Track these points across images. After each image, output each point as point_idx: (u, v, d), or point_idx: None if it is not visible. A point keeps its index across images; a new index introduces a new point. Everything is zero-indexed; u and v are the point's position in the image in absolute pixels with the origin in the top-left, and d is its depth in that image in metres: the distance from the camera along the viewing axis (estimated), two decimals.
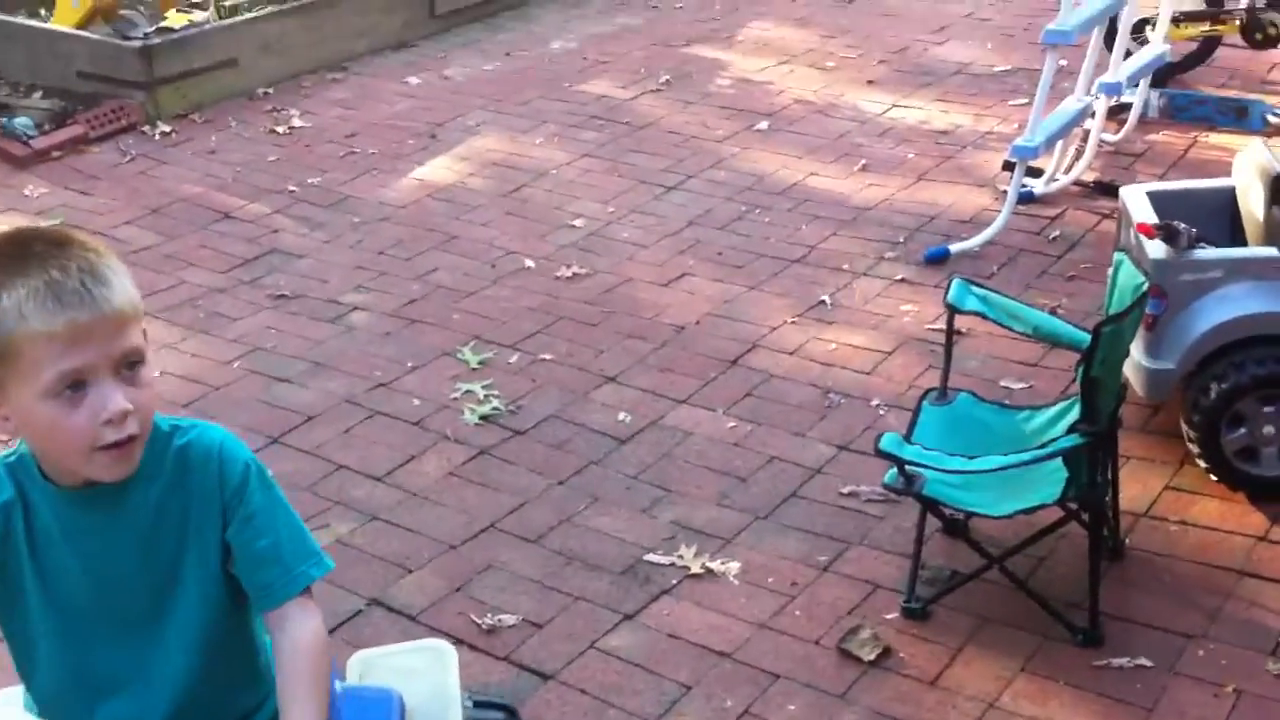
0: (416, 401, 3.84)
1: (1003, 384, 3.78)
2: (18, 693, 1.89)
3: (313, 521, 3.26)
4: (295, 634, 1.59)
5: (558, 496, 3.42)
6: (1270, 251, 3.14)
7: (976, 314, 3.08)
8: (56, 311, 1.46)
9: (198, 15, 6.04)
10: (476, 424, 3.72)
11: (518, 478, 3.50)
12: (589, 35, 6.89)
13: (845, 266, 4.51)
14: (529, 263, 4.62)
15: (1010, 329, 3.14)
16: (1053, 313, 3.43)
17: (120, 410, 1.48)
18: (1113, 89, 4.79)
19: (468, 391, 3.86)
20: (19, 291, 1.47)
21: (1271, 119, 5.26)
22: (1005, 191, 4.73)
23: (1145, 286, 2.73)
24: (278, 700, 1.58)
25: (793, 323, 4.19)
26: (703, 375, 3.92)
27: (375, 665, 2.12)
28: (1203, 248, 3.18)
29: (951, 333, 3.15)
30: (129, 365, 1.51)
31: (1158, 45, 5.09)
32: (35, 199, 5.19)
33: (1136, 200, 3.41)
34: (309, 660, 1.58)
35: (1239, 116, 5.34)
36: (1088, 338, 2.79)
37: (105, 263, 1.52)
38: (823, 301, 4.30)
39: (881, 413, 3.70)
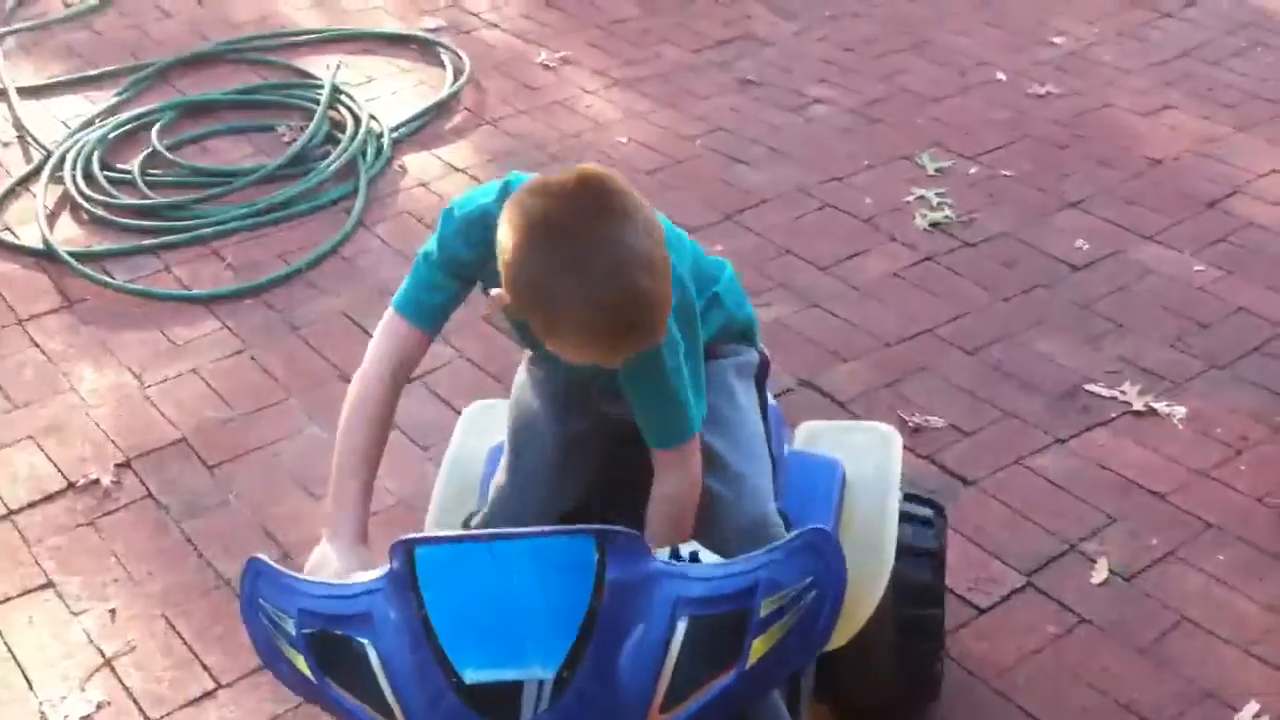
0: (868, 200, 3.83)
1: None
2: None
3: (756, 300, 3.35)
4: (667, 485, 1.68)
5: (1001, 313, 3.35)
6: None
7: None
8: (601, 347, 1.51)
9: None
10: (926, 230, 3.68)
11: (962, 288, 3.45)
12: None
13: None
14: (1001, 75, 4.46)
15: None
16: None
17: None
18: None
19: (921, 197, 3.81)
20: (573, 321, 1.47)
21: None
22: None
23: None
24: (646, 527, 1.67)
25: None
26: (1174, 214, 3.70)
27: (821, 435, 2.20)
28: None
29: None
30: None
31: None
32: None
33: None
34: (673, 508, 1.68)
35: None
36: None
37: (653, 294, 1.47)
38: None
39: None
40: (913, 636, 2.16)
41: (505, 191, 1.65)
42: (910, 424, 2.96)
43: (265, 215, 3.84)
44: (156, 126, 4.25)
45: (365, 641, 1.39)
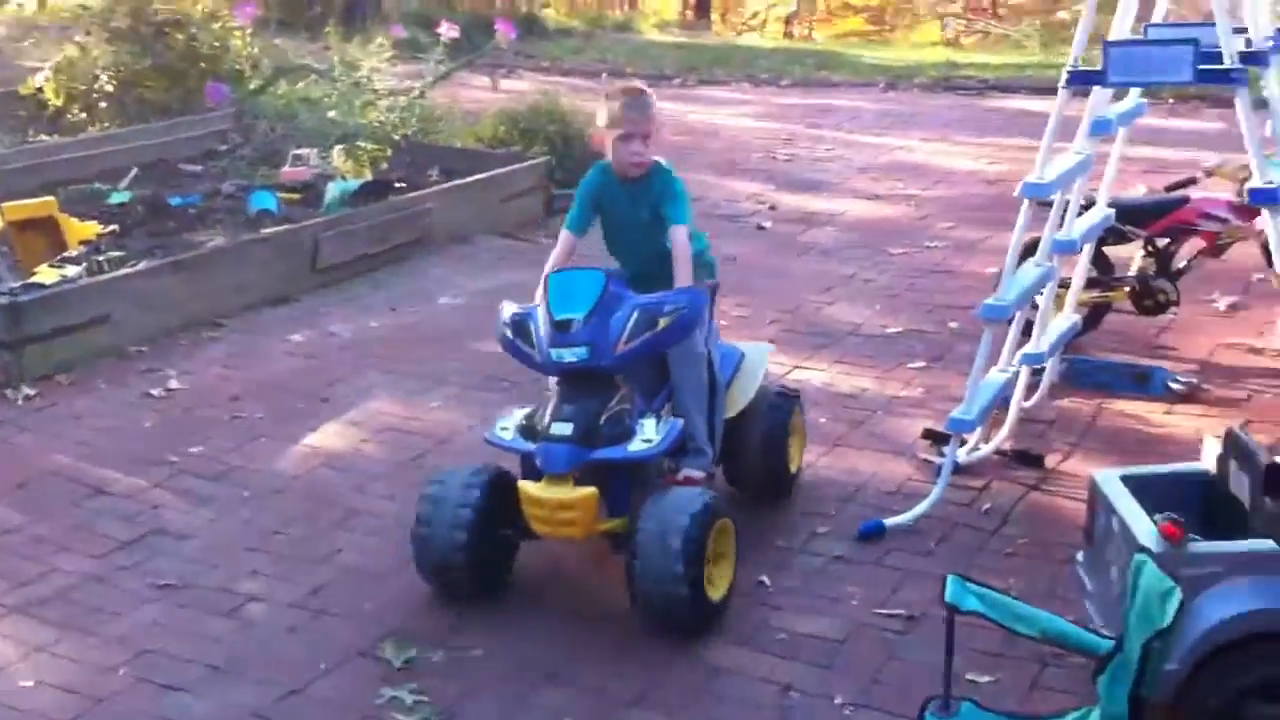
0: (334, 714, 3.41)
1: (968, 677, 3.55)
2: None
3: None
4: (677, 244, 4.03)
5: None
6: (1271, 546, 3.03)
7: (977, 614, 2.88)
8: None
9: (70, 270, 5.67)
10: None
11: None
12: (477, 290, 6.73)
13: (780, 543, 4.30)
14: None
15: (1014, 631, 2.94)
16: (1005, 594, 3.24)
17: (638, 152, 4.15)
18: (1036, 359, 4.78)
19: (394, 698, 3.45)
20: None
21: (1174, 385, 5.32)
22: (925, 460, 4.65)
23: (1178, 593, 2.57)
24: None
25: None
26: (650, 671, 3.60)
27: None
28: (1194, 540, 3.06)
29: (952, 636, 2.92)
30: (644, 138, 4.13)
31: (1069, 315, 5.15)
32: None
33: (1115, 488, 3.29)
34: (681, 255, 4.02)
35: (1140, 383, 5.39)
36: (1104, 644, 2.61)
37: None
38: (762, 583, 4.06)
39: (848, 712, 3.43)
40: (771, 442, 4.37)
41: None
42: None
43: None
44: None
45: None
